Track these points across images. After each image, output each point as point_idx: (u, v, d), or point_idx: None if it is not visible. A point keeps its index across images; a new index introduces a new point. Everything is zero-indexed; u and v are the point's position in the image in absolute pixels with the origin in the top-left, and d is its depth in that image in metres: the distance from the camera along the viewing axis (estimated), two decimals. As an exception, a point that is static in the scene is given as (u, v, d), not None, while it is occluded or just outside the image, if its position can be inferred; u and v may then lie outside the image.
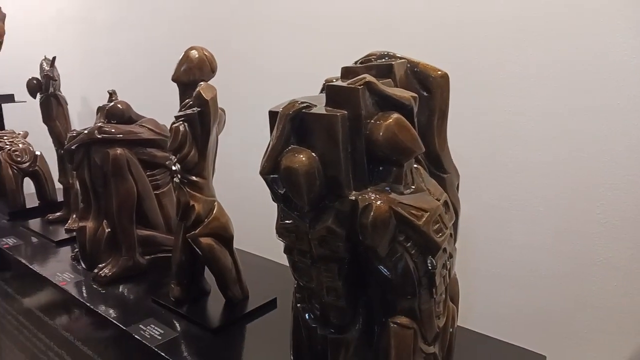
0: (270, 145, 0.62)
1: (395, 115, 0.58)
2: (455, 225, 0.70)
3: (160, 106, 1.32)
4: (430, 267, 0.61)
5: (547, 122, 0.95)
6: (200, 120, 0.87)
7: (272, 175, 0.63)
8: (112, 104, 1.20)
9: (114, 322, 0.98)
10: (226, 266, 0.97)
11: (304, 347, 0.77)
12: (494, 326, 0.91)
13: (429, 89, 0.66)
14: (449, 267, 0.68)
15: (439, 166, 0.68)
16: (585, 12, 0.88)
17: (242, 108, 1.37)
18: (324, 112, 0.59)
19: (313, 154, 0.60)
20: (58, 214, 1.63)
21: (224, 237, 0.96)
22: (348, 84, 0.59)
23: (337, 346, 0.68)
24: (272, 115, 0.64)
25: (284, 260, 1.20)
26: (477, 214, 1.03)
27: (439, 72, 0.66)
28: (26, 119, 2.25)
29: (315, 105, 0.61)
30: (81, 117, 2.16)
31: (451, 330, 0.74)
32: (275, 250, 1.30)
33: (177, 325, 0.96)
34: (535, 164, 0.97)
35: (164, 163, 1.22)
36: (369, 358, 0.67)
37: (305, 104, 0.61)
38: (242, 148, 1.48)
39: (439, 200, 0.63)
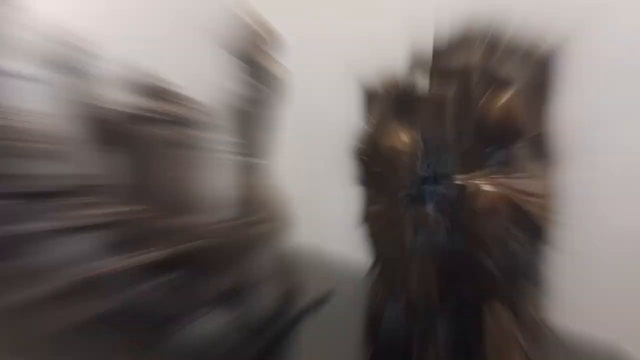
0: (368, 125, 0.59)
1: (508, 95, 0.55)
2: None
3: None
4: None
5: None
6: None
7: (367, 157, 0.60)
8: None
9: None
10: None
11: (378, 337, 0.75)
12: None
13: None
14: (544, 254, 0.66)
15: (539, 149, 0.65)
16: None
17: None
18: (431, 90, 0.56)
19: (416, 134, 0.57)
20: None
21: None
22: (457, 63, 0.56)
23: (425, 336, 0.66)
24: (368, 92, 0.61)
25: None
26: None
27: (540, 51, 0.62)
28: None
29: (417, 83, 0.58)
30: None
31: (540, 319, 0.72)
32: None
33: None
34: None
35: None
36: (459, 345, 0.65)
37: (407, 82, 0.58)
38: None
39: (544, 185, 0.60)
